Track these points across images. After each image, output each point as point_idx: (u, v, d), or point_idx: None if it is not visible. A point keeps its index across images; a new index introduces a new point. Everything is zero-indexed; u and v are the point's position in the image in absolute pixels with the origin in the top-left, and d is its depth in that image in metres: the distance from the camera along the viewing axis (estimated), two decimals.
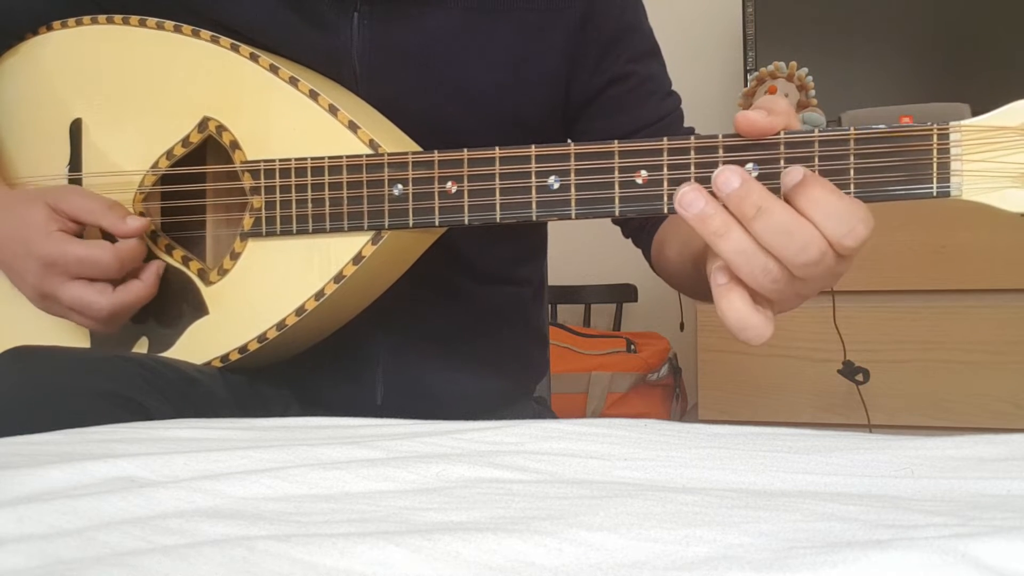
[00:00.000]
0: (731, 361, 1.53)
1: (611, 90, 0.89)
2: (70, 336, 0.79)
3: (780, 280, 0.55)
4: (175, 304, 0.78)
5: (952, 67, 1.73)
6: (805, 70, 1.59)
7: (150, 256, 0.78)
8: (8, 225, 0.76)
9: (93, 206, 0.75)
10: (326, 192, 0.71)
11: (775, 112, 0.59)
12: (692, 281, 0.79)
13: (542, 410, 1.02)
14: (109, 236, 0.76)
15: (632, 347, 1.72)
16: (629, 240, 0.97)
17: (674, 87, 0.95)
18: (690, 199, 0.55)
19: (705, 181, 0.60)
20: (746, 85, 1.70)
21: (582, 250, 2.06)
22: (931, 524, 0.33)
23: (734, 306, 0.55)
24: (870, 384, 1.43)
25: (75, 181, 0.81)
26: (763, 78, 1.62)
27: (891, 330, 1.46)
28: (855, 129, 0.58)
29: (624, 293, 1.96)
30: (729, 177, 0.55)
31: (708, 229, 0.54)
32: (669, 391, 1.78)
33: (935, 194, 0.57)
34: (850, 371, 1.42)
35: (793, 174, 0.55)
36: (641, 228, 0.93)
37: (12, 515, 0.34)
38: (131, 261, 0.75)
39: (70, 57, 0.83)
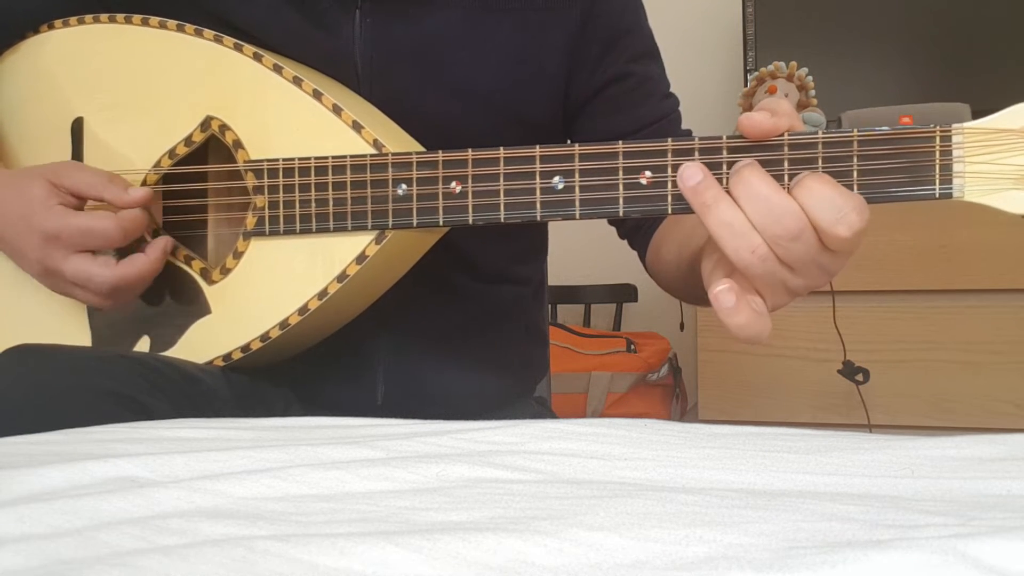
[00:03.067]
0: (731, 361, 1.53)
1: (610, 90, 0.90)
2: (70, 328, 0.79)
3: (768, 259, 0.56)
4: (177, 303, 0.78)
5: (952, 67, 1.73)
6: (805, 70, 1.59)
7: None
8: (9, 202, 0.75)
9: (93, 179, 0.75)
10: (330, 192, 0.71)
11: (778, 114, 0.60)
12: (687, 283, 0.79)
13: (542, 410, 1.02)
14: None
15: (632, 347, 1.72)
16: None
17: (674, 87, 0.95)
18: (690, 172, 0.59)
19: None
20: (746, 85, 1.70)
21: (582, 250, 2.06)
22: (931, 524, 0.33)
23: (730, 305, 0.57)
24: (870, 384, 1.43)
25: None
26: (763, 78, 1.62)
27: (891, 330, 1.46)
28: (858, 131, 0.59)
29: (624, 293, 1.96)
30: (741, 162, 0.59)
31: (699, 200, 0.58)
32: (669, 391, 1.78)
33: (937, 195, 0.58)
34: (850, 371, 1.42)
35: (800, 175, 0.58)
36: (637, 229, 0.93)
37: (12, 515, 0.34)
38: (134, 230, 0.75)
39: (72, 56, 0.83)
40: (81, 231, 0.73)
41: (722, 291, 0.57)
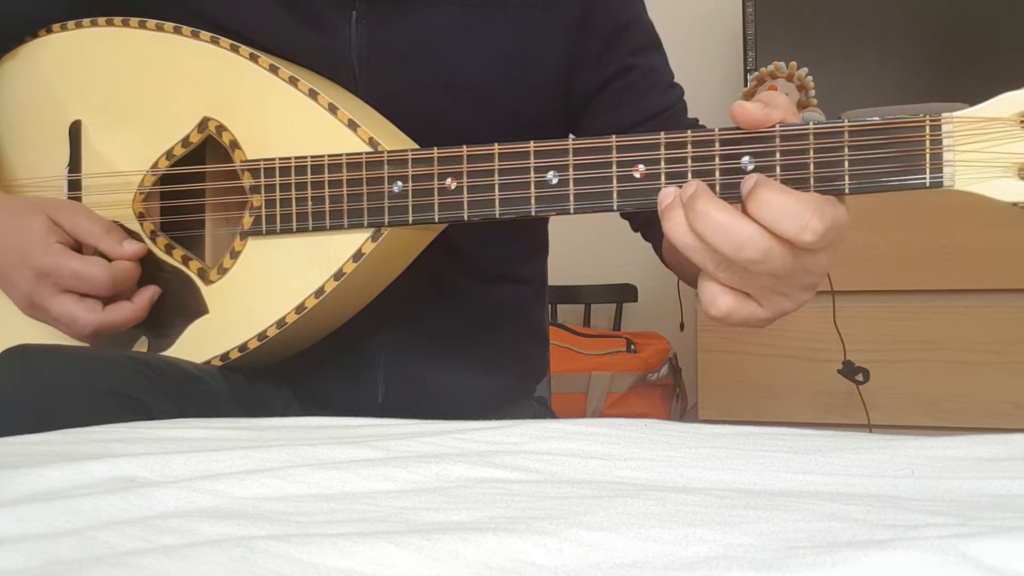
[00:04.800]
0: (731, 361, 1.53)
1: (613, 84, 0.90)
2: (68, 338, 0.79)
3: (735, 273, 0.57)
4: (175, 303, 0.78)
5: (951, 67, 1.73)
6: (805, 70, 1.59)
7: (151, 257, 0.78)
8: (6, 232, 0.76)
9: (92, 228, 0.76)
10: (326, 190, 0.72)
11: (772, 105, 0.60)
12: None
13: (542, 410, 1.02)
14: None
15: (632, 347, 1.72)
16: (631, 239, 0.98)
17: None
18: (663, 195, 0.60)
19: (701, 175, 0.62)
20: (746, 85, 1.70)
21: (582, 250, 2.06)
22: (931, 524, 0.33)
23: (705, 283, 0.59)
24: (870, 384, 1.43)
25: (75, 182, 0.81)
26: (763, 78, 1.62)
27: (891, 330, 1.46)
28: (849, 121, 0.59)
29: (624, 293, 1.96)
30: (686, 187, 0.59)
31: (664, 223, 0.59)
32: (669, 391, 1.77)
33: (928, 184, 0.58)
34: (850, 371, 1.42)
35: (747, 182, 0.57)
36: (649, 222, 0.93)
37: (12, 515, 0.34)
38: (124, 282, 0.76)
39: (70, 59, 0.83)
40: (73, 274, 0.74)
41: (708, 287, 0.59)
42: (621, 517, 0.34)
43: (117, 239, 0.76)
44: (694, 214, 0.56)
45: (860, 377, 1.42)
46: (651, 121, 0.90)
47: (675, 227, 0.58)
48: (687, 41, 2.07)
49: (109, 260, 0.76)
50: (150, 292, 0.77)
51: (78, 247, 0.77)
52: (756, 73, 1.65)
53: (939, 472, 0.42)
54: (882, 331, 1.46)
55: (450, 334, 0.89)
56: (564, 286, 1.97)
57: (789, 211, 0.55)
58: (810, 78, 1.59)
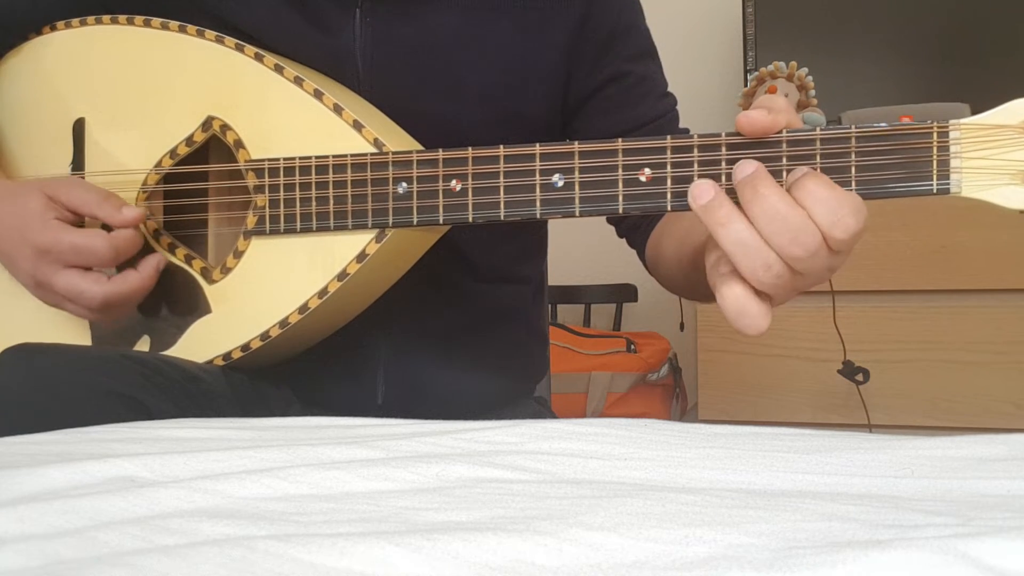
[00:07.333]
0: (731, 361, 1.53)
1: (608, 89, 0.90)
2: (71, 331, 0.79)
3: (782, 275, 0.55)
4: (177, 302, 0.78)
5: (952, 67, 1.73)
6: (805, 70, 1.59)
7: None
8: (5, 213, 0.75)
9: (88, 197, 0.75)
10: (330, 190, 0.72)
11: (775, 110, 0.60)
12: (688, 279, 0.79)
13: (542, 410, 1.02)
14: (110, 228, 0.76)
15: (632, 347, 1.72)
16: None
17: (674, 87, 0.95)
18: (701, 190, 0.57)
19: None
20: (746, 85, 1.70)
21: (582, 250, 2.06)
22: (931, 524, 0.33)
23: (734, 292, 0.57)
24: (870, 384, 1.43)
25: None
26: (763, 78, 1.62)
27: (891, 330, 1.46)
28: (856, 128, 0.59)
29: (624, 293, 1.96)
30: (744, 166, 0.57)
31: (712, 218, 0.56)
32: (669, 391, 1.78)
33: (935, 191, 0.58)
34: (850, 371, 1.42)
35: (796, 172, 0.57)
36: (635, 227, 0.93)
37: (12, 515, 0.34)
38: (126, 250, 0.75)
39: (74, 57, 0.83)
40: (73, 248, 0.73)
41: (729, 292, 0.57)
42: (621, 517, 0.34)
43: (115, 205, 0.75)
44: (753, 193, 0.55)
45: (860, 377, 1.42)
46: (643, 129, 0.90)
47: (724, 223, 0.55)
48: (687, 41, 2.07)
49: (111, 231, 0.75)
50: (155, 260, 0.76)
51: (80, 223, 0.76)
52: (756, 73, 1.65)
53: (939, 472, 0.42)
54: (882, 331, 1.46)
55: (450, 334, 0.89)
56: (564, 286, 1.97)
57: (828, 204, 0.54)
58: (810, 78, 1.59)
